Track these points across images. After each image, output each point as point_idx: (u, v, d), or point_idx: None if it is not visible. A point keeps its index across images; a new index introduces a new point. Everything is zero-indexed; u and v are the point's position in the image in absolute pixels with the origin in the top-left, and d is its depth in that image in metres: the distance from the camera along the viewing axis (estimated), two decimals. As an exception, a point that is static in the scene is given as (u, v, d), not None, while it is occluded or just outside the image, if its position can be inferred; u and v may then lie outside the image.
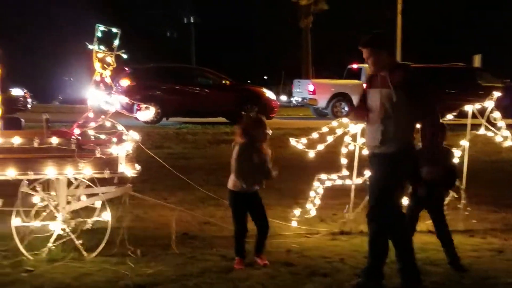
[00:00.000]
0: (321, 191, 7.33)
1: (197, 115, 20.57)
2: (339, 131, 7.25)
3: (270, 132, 5.92)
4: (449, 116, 7.38)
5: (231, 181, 5.85)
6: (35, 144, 5.82)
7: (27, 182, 6.27)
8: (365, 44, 5.23)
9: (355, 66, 26.67)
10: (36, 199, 6.38)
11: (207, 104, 20.40)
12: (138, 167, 6.17)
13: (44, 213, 6.43)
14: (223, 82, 21.44)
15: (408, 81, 5.12)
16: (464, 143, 7.27)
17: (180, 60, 37.93)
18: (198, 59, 43.35)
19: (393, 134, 5.08)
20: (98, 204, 6.67)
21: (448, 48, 40.03)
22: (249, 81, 34.29)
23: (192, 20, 47.48)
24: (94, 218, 6.66)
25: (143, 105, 7.00)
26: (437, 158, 5.88)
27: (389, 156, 5.11)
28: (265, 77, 48.60)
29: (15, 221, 6.02)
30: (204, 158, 12.92)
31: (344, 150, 7.25)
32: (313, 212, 7.37)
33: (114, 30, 6.17)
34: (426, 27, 43.81)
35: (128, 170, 6.02)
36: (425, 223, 6.60)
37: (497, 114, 7.22)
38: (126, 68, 19.88)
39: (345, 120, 7.30)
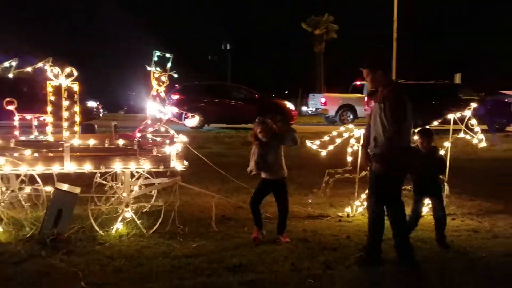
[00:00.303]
0: (330, 182, 7.29)
1: (232, 122, 20.56)
2: (345, 135, 7.21)
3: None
4: (435, 123, 7.31)
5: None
6: (106, 145, 5.89)
7: (99, 174, 6.37)
8: (364, 66, 5.19)
9: (358, 82, 26.53)
10: (106, 187, 6.47)
11: (240, 113, 20.38)
12: (185, 163, 6.19)
13: (112, 199, 6.51)
14: (253, 95, 21.40)
15: (389, 96, 5.00)
16: (447, 144, 7.19)
17: (218, 78, 38.10)
18: (233, 77, 43.33)
19: (382, 139, 5.00)
20: (154, 192, 6.72)
21: (434, 67, 39.46)
22: (273, 95, 34.20)
23: (228, 46, 47.51)
24: (151, 203, 6.71)
25: (190, 114, 7.03)
26: (426, 156, 5.88)
27: (381, 156, 5.03)
28: (286, 92, 48.35)
29: (90, 205, 6.11)
30: (238, 156, 12.89)
31: (349, 150, 7.20)
32: (324, 199, 7.34)
33: (168, 55, 6.20)
34: (417, 50, 43.30)
35: (178, 165, 6.05)
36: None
37: (474, 121, 7.16)
38: (176, 85, 19.99)
39: (350, 126, 7.27)
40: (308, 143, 7.32)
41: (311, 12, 41.78)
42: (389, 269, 5.01)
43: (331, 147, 7.26)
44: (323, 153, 7.25)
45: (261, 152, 5.76)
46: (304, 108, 27.97)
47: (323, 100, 25.75)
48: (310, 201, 7.34)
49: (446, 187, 7.15)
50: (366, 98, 22.87)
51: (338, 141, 7.21)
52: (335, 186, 7.42)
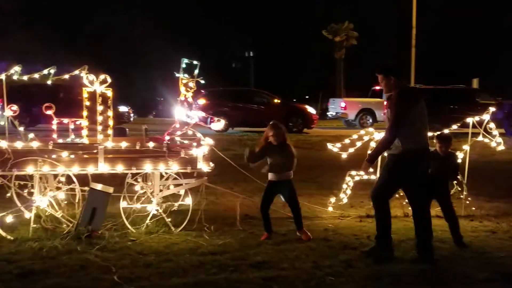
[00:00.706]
0: (351, 184, 7.26)
1: (255, 126, 20.58)
2: (366, 138, 7.18)
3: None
4: (454, 126, 7.22)
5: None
6: (137, 147, 5.97)
7: (131, 175, 6.46)
8: (378, 71, 5.26)
9: (377, 87, 26.28)
10: (137, 187, 6.56)
11: (262, 117, 20.32)
12: (211, 164, 6.24)
13: (143, 198, 6.60)
14: (275, 100, 21.41)
15: (392, 100, 5.13)
16: (466, 147, 7.11)
17: (242, 84, 38.18)
18: (255, 83, 43.44)
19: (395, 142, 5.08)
20: (182, 191, 6.78)
21: (452, 73, 38.89)
22: (294, 100, 34.15)
23: (251, 54, 47.62)
24: (179, 202, 6.77)
25: (216, 118, 7.07)
26: (443, 159, 5.83)
27: (392, 157, 5.17)
28: (307, 96, 48.21)
29: (122, 204, 6.20)
30: (261, 158, 12.93)
31: (369, 152, 7.15)
32: (345, 200, 7.30)
33: (195, 62, 6.24)
34: (436, 56, 42.72)
35: (204, 166, 6.11)
36: (434, 210, 6.44)
37: (492, 125, 7.06)
38: (203, 91, 20.15)
39: (370, 129, 7.24)
40: (329, 145, 7.30)
41: (332, 20, 41.66)
42: (409, 268, 4.97)
43: (351, 150, 7.23)
44: (344, 155, 7.21)
45: (268, 153, 5.83)
46: (329, 113, 27.69)
47: (343, 104, 25.63)
48: (331, 201, 7.30)
49: (465, 188, 7.06)
50: (385, 103, 22.61)
51: (359, 144, 7.17)
52: (355, 187, 7.38)
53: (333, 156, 7.58)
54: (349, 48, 40.40)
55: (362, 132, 7.23)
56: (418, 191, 5.22)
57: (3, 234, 5.50)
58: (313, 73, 46.68)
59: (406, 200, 7.11)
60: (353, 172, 7.22)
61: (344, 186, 7.29)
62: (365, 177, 7.19)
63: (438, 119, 18.96)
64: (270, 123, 5.94)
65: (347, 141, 7.26)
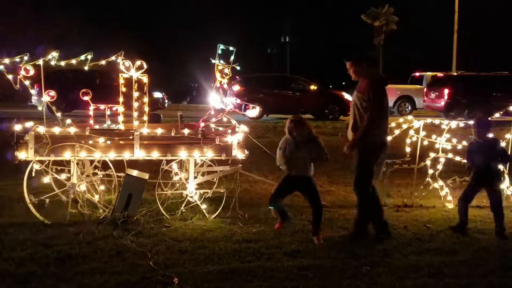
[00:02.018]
0: (389, 173, 7.15)
1: (290, 113, 20.21)
2: (404, 126, 7.04)
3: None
4: (497, 114, 7.00)
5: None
6: (172, 134, 6.03)
7: (166, 161, 6.54)
8: (349, 58, 5.40)
9: (417, 74, 25.75)
10: (172, 174, 6.64)
11: (298, 104, 20.27)
12: (246, 151, 6.25)
13: (178, 185, 6.69)
14: (311, 87, 21.20)
15: (368, 88, 5.22)
16: (508, 136, 6.88)
17: (277, 70, 37.99)
18: (291, 69, 43.10)
19: (360, 125, 5.26)
20: (216, 179, 6.84)
21: (495, 59, 37.53)
22: (330, 86, 33.77)
23: (287, 39, 47.24)
24: (214, 189, 6.84)
25: (251, 105, 7.06)
26: (486, 147, 5.69)
27: (361, 145, 5.25)
28: (343, 83, 47.57)
29: (158, 190, 6.31)
30: (296, 146, 12.89)
31: (408, 141, 7.04)
32: (382, 189, 7.20)
33: (231, 48, 6.24)
34: (479, 41, 41.30)
35: (239, 154, 6.13)
36: (476, 200, 6.29)
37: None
38: (237, 77, 20.17)
39: (410, 117, 7.10)
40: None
41: (371, 3, 40.83)
42: (448, 259, 4.88)
43: (389, 138, 7.10)
44: (381, 143, 7.10)
45: (291, 147, 5.54)
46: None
47: (381, 91, 25.19)
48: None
49: (507, 179, 6.85)
50: (425, 89, 22.15)
51: (397, 132, 7.05)
52: (392, 176, 7.27)
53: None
54: (388, 33, 39.54)
55: (401, 120, 7.10)
56: (363, 179, 5.36)
57: (41, 218, 5.68)
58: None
59: (445, 191, 7.00)
60: (391, 161, 7.10)
61: (381, 175, 7.18)
62: (403, 166, 7.09)
63: (481, 107, 18.52)
64: (292, 116, 5.67)
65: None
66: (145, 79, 6.30)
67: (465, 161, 6.06)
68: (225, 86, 6.34)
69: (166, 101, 23.42)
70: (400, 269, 4.62)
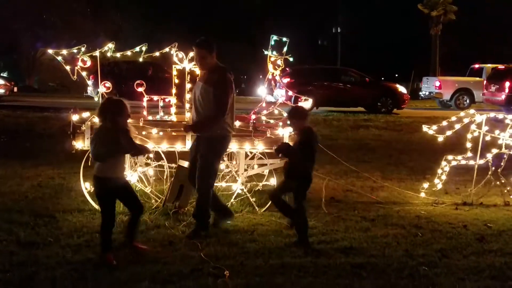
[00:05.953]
0: (447, 169, 6.91)
1: (341, 105, 20.19)
2: (466, 120, 6.77)
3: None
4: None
5: None
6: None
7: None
8: (203, 46, 5.14)
9: (477, 66, 24.74)
10: (222, 166, 6.66)
11: (349, 97, 19.98)
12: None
13: (228, 177, 6.71)
14: (363, 79, 20.82)
15: (216, 81, 5.04)
16: None
17: (328, 62, 37.52)
18: (342, 61, 42.43)
19: (204, 115, 5.11)
20: (266, 172, 6.82)
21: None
22: (382, 78, 33.02)
23: (339, 30, 46.56)
24: (264, 182, 6.82)
25: (304, 98, 6.97)
26: None
27: (206, 139, 5.15)
28: (396, 75, 46.42)
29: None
30: (346, 139, 12.69)
31: (469, 136, 6.77)
32: (439, 186, 6.98)
33: (284, 39, 6.16)
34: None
35: (291, 147, 6.07)
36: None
37: None
38: (287, 69, 20.05)
39: (471, 111, 6.83)
40: (425, 128, 6.98)
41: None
42: (510, 261, 4.65)
43: (449, 133, 6.87)
44: (440, 138, 6.88)
45: None
46: (422, 92, 26.25)
47: (437, 83, 24.35)
48: (424, 186, 7.01)
49: None
50: (485, 82, 21.28)
51: (457, 126, 6.79)
52: (451, 172, 7.02)
53: (425, 139, 7.29)
54: (446, 23, 38.12)
55: (462, 114, 6.83)
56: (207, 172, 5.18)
57: (96, 207, 5.83)
58: (404, 51, 44.75)
59: (508, 188, 6.70)
60: (450, 157, 6.86)
61: (439, 171, 6.95)
62: (463, 162, 6.83)
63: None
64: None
65: (444, 123, 6.90)
66: (197, 70, 6.33)
67: None
68: (277, 78, 6.28)
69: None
70: (460, 270, 4.45)
